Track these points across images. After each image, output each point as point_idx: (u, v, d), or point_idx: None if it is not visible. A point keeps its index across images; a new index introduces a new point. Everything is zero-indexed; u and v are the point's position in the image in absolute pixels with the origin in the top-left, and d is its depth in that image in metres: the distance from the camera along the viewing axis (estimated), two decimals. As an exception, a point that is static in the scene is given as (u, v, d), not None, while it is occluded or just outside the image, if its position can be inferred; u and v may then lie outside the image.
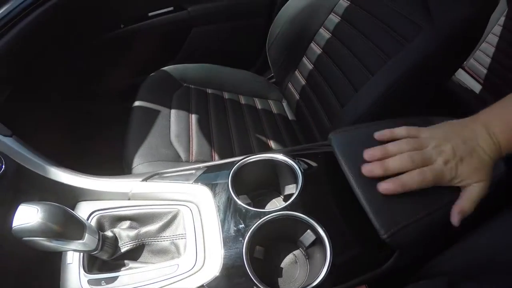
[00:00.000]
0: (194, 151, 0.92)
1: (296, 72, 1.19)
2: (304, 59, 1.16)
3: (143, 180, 0.65)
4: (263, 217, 0.55)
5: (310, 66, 1.12)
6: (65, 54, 1.18)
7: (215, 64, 1.29)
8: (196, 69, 1.22)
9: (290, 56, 1.20)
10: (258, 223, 0.54)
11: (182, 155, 0.90)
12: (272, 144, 1.03)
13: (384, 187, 0.50)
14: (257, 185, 0.67)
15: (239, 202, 0.57)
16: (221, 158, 0.92)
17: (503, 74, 1.39)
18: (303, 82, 1.15)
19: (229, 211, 0.57)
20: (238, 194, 0.60)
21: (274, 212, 0.55)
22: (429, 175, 0.49)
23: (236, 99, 1.17)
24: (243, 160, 0.63)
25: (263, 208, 0.61)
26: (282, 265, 0.57)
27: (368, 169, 0.51)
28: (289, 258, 0.57)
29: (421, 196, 0.50)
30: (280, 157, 0.63)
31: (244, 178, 0.63)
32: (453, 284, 0.50)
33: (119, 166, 0.93)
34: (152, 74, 1.17)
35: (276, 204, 0.64)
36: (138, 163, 0.86)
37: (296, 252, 0.57)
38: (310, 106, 1.10)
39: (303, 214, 0.55)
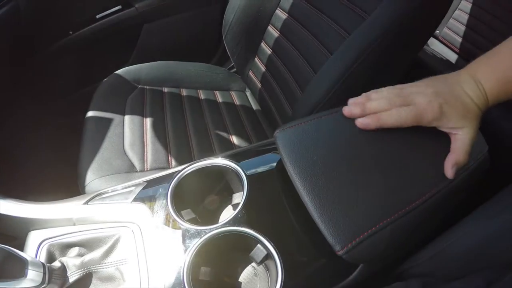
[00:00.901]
0: (149, 159, 0.86)
1: (256, 59, 1.14)
2: (263, 45, 1.11)
3: (84, 203, 0.60)
4: (203, 235, 0.50)
5: (269, 51, 1.07)
6: (12, 70, 1.11)
7: (171, 61, 1.22)
8: (151, 68, 1.15)
9: (248, 42, 1.14)
10: (197, 244, 0.49)
11: (137, 165, 0.84)
12: (234, 139, 0.98)
13: (360, 120, 0.50)
14: (206, 193, 0.62)
15: (178, 220, 0.52)
16: (179, 163, 0.87)
17: (477, 40, 1.35)
18: (263, 69, 1.09)
19: (168, 231, 0.52)
20: (181, 208, 0.55)
21: (215, 230, 0.51)
22: (407, 112, 0.48)
23: (195, 94, 1.11)
24: (182, 172, 0.58)
25: (216, 219, 0.57)
26: (241, 279, 0.52)
27: (347, 109, 0.52)
28: (247, 271, 0.53)
29: (385, 194, 0.44)
30: (222, 162, 0.58)
31: (188, 189, 0.58)
32: (427, 286, 0.47)
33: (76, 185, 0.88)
34: (105, 79, 1.11)
35: (230, 213, 0.60)
36: (91, 180, 0.81)
37: (254, 264, 0.53)
38: (272, 94, 1.04)
39: (248, 228, 0.50)
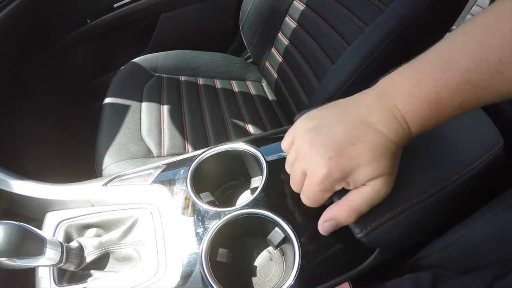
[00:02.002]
0: (166, 144, 0.87)
1: (273, 50, 1.13)
2: (280, 35, 1.10)
3: (103, 185, 0.61)
4: (223, 217, 0.50)
5: (286, 42, 1.06)
6: (33, 58, 1.13)
7: (188, 50, 1.22)
8: (168, 57, 1.16)
9: (265, 33, 1.14)
10: (217, 225, 0.49)
11: (154, 150, 0.85)
12: (250, 128, 0.98)
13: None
14: (225, 178, 0.62)
15: (197, 201, 0.53)
16: (196, 149, 0.87)
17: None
18: (280, 59, 1.09)
19: (187, 212, 0.52)
20: (200, 191, 0.55)
21: (234, 212, 0.51)
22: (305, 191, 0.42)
23: (211, 84, 1.12)
24: (202, 155, 0.58)
25: (233, 204, 0.57)
26: (256, 263, 0.52)
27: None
28: (263, 256, 0.53)
29: (404, 181, 0.43)
30: (242, 146, 0.58)
31: (207, 173, 0.58)
32: (438, 278, 0.46)
33: (94, 168, 0.89)
34: (122, 67, 1.12)
35: (247, 198, 0.60)
36: (108, 164, 0.82)
37: (270, 248, 0.53)
38: (288, 84, 1.04)
39: (267, 211, 0.50)
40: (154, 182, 0.58)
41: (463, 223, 0.53)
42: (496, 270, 0.44)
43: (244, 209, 0.51)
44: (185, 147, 0.88)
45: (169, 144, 0.87)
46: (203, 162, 0.58)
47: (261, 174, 0.55)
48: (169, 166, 0.60)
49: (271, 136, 0.62)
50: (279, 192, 0.53)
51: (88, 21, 1.25)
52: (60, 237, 0.55)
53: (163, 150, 0.86)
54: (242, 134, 0.96)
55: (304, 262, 0.47)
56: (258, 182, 0.55)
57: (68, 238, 0.57)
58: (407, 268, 0.58)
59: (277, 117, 1.07)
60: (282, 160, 0.57)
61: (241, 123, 0.98)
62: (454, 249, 0.52)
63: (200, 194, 0.55)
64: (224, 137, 0.93)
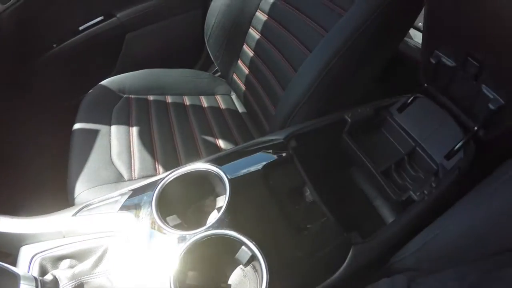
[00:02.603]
0: (136, 167, 0.87)
1: (239, 62, 1.15)
2: (245, 47, 1.12)
3: (73, 215, 0.61)
4: (189, 240, 0.51)
5: (251, 54, 1.08)
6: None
7: (156, 68, 1.23)
8: (135, 77, 1.16)
9: (230, 46, 1.15)
10: (183, 249, 0.50)
11: (125, 174, 0.85)
12: (220, 143, 0.99)
13: None
14: (193, 198, 0.63)
15: (163, 226, 0.53)
16: (166, 169, 0.87)
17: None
18: (246, 71, 1.10)
19: (154, 238, 0.53)
20: (167, 214, 0.56)
21: (199, 234, 0.52)
22: None
23: (180, 101, 1.12)
24: (165, 179, 0.58)
25: (204, 223, 0.57)
26: (230, 281, 0.53)
27: None
28: (236, 273, 0.54)
29: None
30: (203, 166, 0.59)
31: (172, 196, 0.59)
32: (413, 279, 0.48)
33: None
34: (90, 91, 1.11)
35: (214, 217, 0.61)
36: (80, 192, 0.82)
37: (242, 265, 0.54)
38: (255, 96, 1.06)
39: (232, 230, 0.51)
40: (121, 209, 0.58)
41: (435, 224, 0.55)
42: (463, 270, 0.46)
43: (208, 230, 0.52)
44: (155, 168, 0.88)
45: (140, 167, 0.87)
46: (167, 186, 0.58)
47: (225, 193, 0.56)
48: (135, 192, 0.60)
49: (239, 151, 0.64)
50: (243, 210, 0.54)
51: (54, 45, 1.24)
52: (35, 270, 0.55)
53: (134, 173, 0.86)
54: (212, 150, 0.96)
55: (274, 278, 0.48)
56: (223, 201, 0.56)
57: (43, 271, 0.57)
58: (383, 273, 0.60)
59: (247, 130, 1.09)
60: (244, 177, 0.58)
61: (211, 139, 0.99)
62: (430, 249, 0.54)
63: (167, 218, 0.56)
64: (194, 155, 0.93)
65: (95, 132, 0.95)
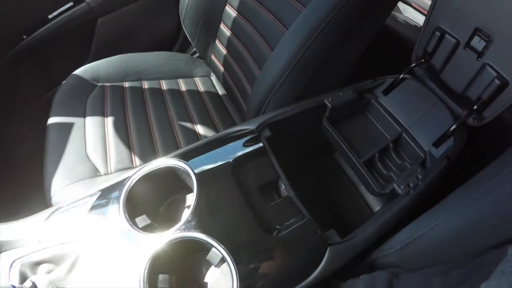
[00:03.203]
0: (112, 160, 0.84)
1: (217, 42, 1.10)
2: (222, 26, 1.07)
3: (46, 219, 0.59)
4: (158, 243, 0.49)
5: (228, 33, 1.03)
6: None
7: (132, 53, 1.18)
8: (110, 64, 1.11)
9: (206, 25, 1.11)
10: (152, 253, 0.48)
11: (101, 168, 0.82)
12: (199, 129, 0.96)
13: None
14: (165, 194, 0.61)
15: (131, 228, 0.51)
16: (143, 161, 0.85)
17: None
18: (224, 51, 1.06)
19: (123, 241, 0.51)
20: (136, 215, 0.54)
21: (168, 236, 0.50)
22: None
23: (157, 86, 1.08)
24: (131, 179, 0.56)
25: (178, 221, 0.56)
26: (207, 279, 0.52)
27: None
28: (212, 270, 0.52)
29: None
30: (170, 162, 0.56)
31: (141, 195, 0.57)
32: (395, 275, 0.47)
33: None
34: (63, 82, 1.07)
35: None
36: (56, 191, 0.79)
37: None
38: (234, 77, 1.02)
39: (201, 232, 0.49)
40: (90, 211, 0.56)
41: (421, 221, 0.53)
42: (444, 268, 0.45)
43: (176, 233, 0.50)
44: (132, 160, 0.85)
45: (116, 159, 0.84)
46: (134, 186, 0.56)
47: (193, 190, 0.54)
48: (104, 193, 0.58)
49: (202, 146, 0.61)
50: (212, 209, 0.52)
51: (24, 36, 1.19)
52: (15, 277, 0.54)
53: (110, 167, 0.83)
54: (190, 136, 0.93)
55: (245, 282, 0.46)
56: (191, 199, 0.54)
57: (23, 276, 0.56)
58: (365, 267, 0.59)
59: (227, 112, 1.05)
60: (213, 172, 0.56)
61: (189, 125, 0.96)
62: (414, 248, 0.52)
63: (136, 219, 0.54)
64: (172, 144, 0.91)
65: (70, 126, 0.92)
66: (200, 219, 0.51)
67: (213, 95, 1.10)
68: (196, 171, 0.55)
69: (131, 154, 0.86)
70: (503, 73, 0.55)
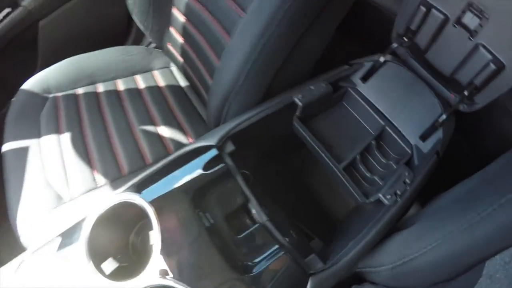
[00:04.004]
0: (74, 183, 0.78)
1: (172, 29, 1.01)
2: (174, 11, 0.97)
3: (15, 272, 0.54)
4: None
5: (182, 18, 0.94)
6: None
7: (82, 54, 1.08)
8: (58, 70, 1.02)
9: (158, 11, 1.02)
10: None
11: (64, 194, 0.76)
12: (163, 132, 0.89)
13: None
14: (131, 224, 0.55)
15: (97, 278, 0.46)
16: (107, 178, 0.79)
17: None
18: (180, 39, 0.97)
19: None
20: (103, 258, 0.49)
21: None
22: None
23: (113, 87, 1.00)
24: (86, 225, 0.50)
25: (145, 258, 0.50)
26: None
27: None
28: None
29: None
30: (123, 198, 0.50)
31: (103, 236, 0.51)
32: None
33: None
34: (13, 99, 0.98)
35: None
36: (24, 230, 0.74)
37: None
38: (193, 67, 0.94)
39: (169, 279, 0.45)
40: (57, 258, 0.51)
41: (418, 241, 0.49)
42: None
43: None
44: (94, 179, 0.79)
45: (77, 181, 0.78)
46: (94, 228, 0.50)
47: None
48: (64, 237, 0.53)
49: (158, 172, 0.54)
50: (178, 249, 0.47)
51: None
52: None
53: (73, 190, 0.77)
54: (155, 142, 0.87)
55: None
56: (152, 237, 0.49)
57: None
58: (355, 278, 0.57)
59: (192, 106, 0.98)
60: (171, 203, 0.50)
61: (152, 128, 0.89)
62: (407, 269, 0.49)
63: (102, 265, 0.48)
64: (135, 153, 0.84)
65: (26, 150, 0.85)
66: (168, 262, 0.46)
67: (175, 88, 1.02)
68: (152, 204, 0.49)
69: (92, 172, 0.80)
70: (499, 56, 0.49)
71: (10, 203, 0.78)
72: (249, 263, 0.49)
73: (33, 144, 0.86)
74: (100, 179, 0.79)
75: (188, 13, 0.92)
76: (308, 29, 0.67)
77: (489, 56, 0.50)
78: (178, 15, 0.96)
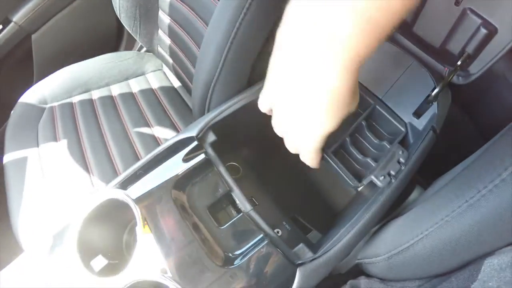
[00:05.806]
0: (72, 187, 0.80)
1: (160, 32, 1.03)
2: (161, 14, 0.99)
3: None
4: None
5: (167, 20, 0.96)
6: None
7: (77, 62, 1.10)
8: (53, 81, 1.04)
9: (145, 15, 1.03)
10: None
11: (62, 198, 0.78)
12: (158, 132, 0.91)
13: None
14: (124, 221, 0.56)
15: (88, 277, 0.47)
16: (104, 181, 0.80)
17: None
18: (168, 41, 0.99)
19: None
20: (93, 255, 0.50)
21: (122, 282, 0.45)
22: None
23: (107, 93, 1.02)
24: (74, 224, 0.51)
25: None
26: None
27: None
28: None
29: None
30: (108, 195, 0.51)
31: (93, 234, 0.52)
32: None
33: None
34: (11, 112, 1.01)
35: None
36: (24, 234, 0.76)
37: None
38: (182, 66, 0.95)
39: (157, 275, 0.45)
40: (51, 258, 0.52)
41: (412, 229, 0.48)
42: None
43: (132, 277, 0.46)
44: (92, 183, 0.81)
45: (75, 186, 0.80)
46: (83, 229, 0.51)
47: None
48: (56, 238, 0.54)
49: (141, 168, 0.55)
50: (162, 243, 0.48)
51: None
52: None
53: (71, 194, 0.79)
54: (150, 143, 0.88)
55: None
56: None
57: None
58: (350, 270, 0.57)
59: (185, 105, 0.99)
60: (153, 197, 0.51)
61: (146, 129, 0.91)
62: (403, 259, 0.48)
63: (91, 262, 0.49)
64: (131, 155, 0.86)
65: (25, 159, 0.87)
66: (151, 256, 0.46)
67: (168, 89, 1.03)
68: (137, 200, 0.50)
69: (90, 177, 0.81)
70: (490, 19, 0.46)
71: (11, 209, 0.80)
72: (231, 255, 0.48)
73: (32, 153, 0.88)
74: (98, 183, 0.81)
75: (172, 13, 0.93)
76: (280, 17, 0.67)
77: (479, 20, 0.47)
78: (164, 17, 0.97)
